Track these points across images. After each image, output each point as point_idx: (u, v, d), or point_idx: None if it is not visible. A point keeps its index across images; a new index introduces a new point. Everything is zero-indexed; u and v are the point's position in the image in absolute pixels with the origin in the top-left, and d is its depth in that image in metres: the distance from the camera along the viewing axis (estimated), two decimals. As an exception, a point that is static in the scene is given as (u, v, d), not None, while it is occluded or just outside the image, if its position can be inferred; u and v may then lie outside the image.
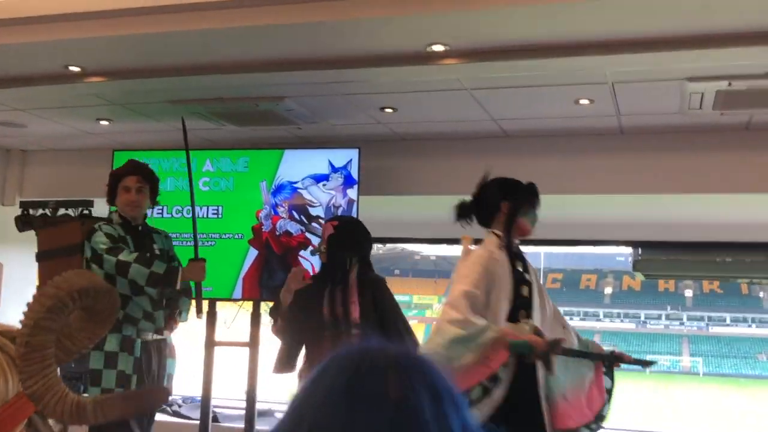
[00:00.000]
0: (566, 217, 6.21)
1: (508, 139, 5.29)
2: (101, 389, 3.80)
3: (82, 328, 2.51)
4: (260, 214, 5.15)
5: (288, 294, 3.79)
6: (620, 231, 6.30)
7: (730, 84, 3.89)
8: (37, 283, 4.69)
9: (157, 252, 4.10)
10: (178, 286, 3.86)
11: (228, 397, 6.08)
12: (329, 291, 3.68)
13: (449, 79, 4.14)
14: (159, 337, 4.05)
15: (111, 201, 4.15)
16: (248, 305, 5.29)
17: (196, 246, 4.11)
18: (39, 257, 4.56)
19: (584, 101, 4.40)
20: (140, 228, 4.12)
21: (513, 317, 3.27)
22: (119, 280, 3.74)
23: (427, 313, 58.90)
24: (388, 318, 3.84)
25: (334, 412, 0.91)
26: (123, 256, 3.79)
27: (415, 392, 0.93)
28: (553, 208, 5.77)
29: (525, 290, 3.37)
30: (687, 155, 4.93)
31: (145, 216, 4.22)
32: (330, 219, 4.09)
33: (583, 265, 61.87)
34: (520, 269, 3.41)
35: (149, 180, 4.17)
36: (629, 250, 6.95)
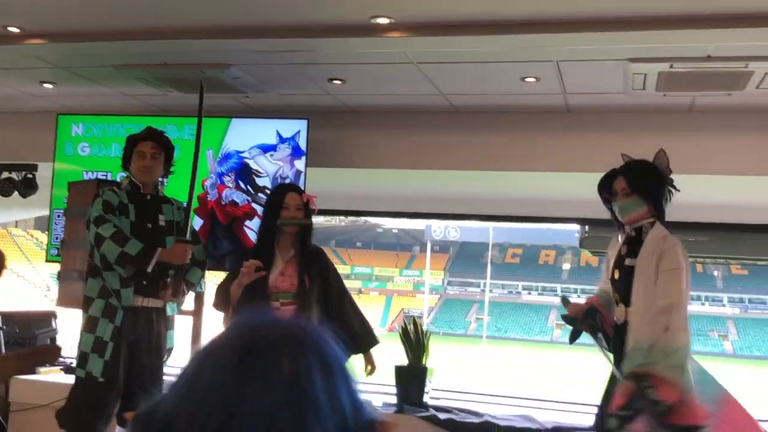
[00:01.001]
0: (514, 194, 6.27)
1: (458, 115, 5.30)
2: (79, 352, 3.82)
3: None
4: (206, 183, 5.11)
5: (239, 288, 3.69)
6: (568, 208, 6.37)
7: (671, 66, 3.93)
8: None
9: (162, 223, 3.95)
10: (149, 269, 3.74)
11: (171, 365, 6.04)
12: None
13: (395, 52, 4.12)
14: (151, 305, 3.89)
15: (125, 165, 4.03)
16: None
17: (185, 227, 3.98)
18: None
19: (530, 79, 4.41)
20: (149, 197, 3.98)
21: None
22: (96, 252, 3.75)
23: (387, 285, 59.24)
24: (333, 291, 3.88)
25: (225, 387, 0.91)
26: (102, 230, 3.73)
27: (308, 368, 0.93)
28: (501, 184, 5.86)
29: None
30: (631, 135, 4.97)
31: (158, 184, 4.07)
32: (297, 188, 4.05)
33: (543, 241, 62.53)
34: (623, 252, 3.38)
35: (165, 147, 4.03)
36: (577, 227, 7.05)
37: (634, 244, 3.35)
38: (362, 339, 3.92)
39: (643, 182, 3.32)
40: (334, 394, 0.94)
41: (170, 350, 4.07)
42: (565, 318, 3.60)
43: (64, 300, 4.74)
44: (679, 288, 3.20)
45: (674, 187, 3.45)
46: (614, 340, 3.45)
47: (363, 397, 1.00)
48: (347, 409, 0.94)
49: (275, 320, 1.00)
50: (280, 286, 3.77)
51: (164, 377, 3.91)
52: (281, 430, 0.88)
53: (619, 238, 3.49)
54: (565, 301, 3.62)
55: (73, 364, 4.06)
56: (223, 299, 3.79)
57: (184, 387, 0.94)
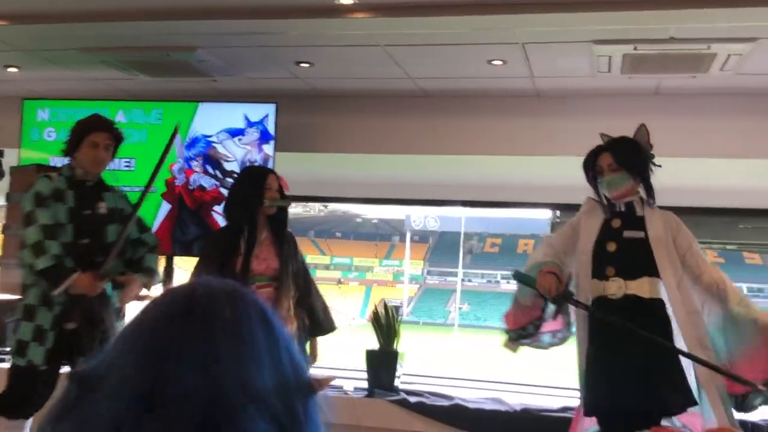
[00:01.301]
0: (484, 179, 6.28)
1: (426, 99, 5.30)
2: (16, 341, 3.74)
3: None
4: (173, 168, 5.07)
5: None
6: (538, 193, 6.39)
7: (635, 48, 3.95)
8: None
9: (104, 211, 3.78)
10: (55, 293, 3.56)
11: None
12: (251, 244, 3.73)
13: (362, 34, 4.11)
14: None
15: (70, 152, 3.81)
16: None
17: (108, 256, 3.65)
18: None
19: (497, 62, 4.42)
20: (89, 183, 3.80)
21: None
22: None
23: (367, 276, 59.25)
24: (302, 275, 3.88)
25: (166, 338, 0.90)
26: (28, 234, 3.58)
27: (249, 319, 0.93)
28: (471, 169, 5.87)
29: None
30: (600, 118, 4.98)
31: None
32: (270, 171, 3.99)
33: (521, 231, 62.77)
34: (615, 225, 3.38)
35: (117, 140, 3.88)
36: (548, 213, 7.08)
37: (629, 218, 3.35)
38: (322, 324, 3.93)
39: (629, 157, 3.36)
40: (275, 349, 0.94)
41: None
42: (522, 279, 3.48)
43: (5, 287, 4.69)
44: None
45: (654, 163, 3.48)
46: (605, 315, 3.31)
47: (299, 356, 1.00)
48: (286, 366, 0.94)
49: (215, 280, 1.00)
50: (256, 269, 3.74)
51: None
52: (223, 375, 0.88)
53: (596, 213, 3.46)
54: (521, 277, 3.51)
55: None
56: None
57: (123, 340, 0.93)
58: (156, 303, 0.96)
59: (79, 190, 3.75)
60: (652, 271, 3.30)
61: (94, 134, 3.78)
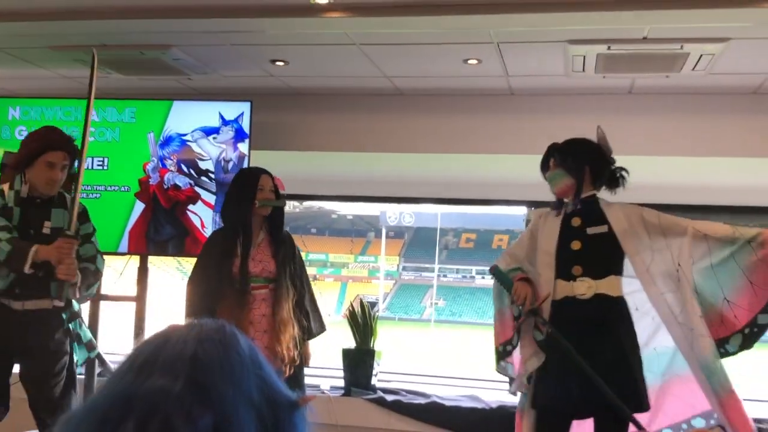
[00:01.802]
0: (460, 177, 6.30)
1: (402, 97, 5.30)
2: None
3: None
4: (147, 167, 5.03)
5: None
6: (513, 191, 6.42)
7: (609, 48, 3.98)
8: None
9: (47, 231, 3.55)
10: (26, 269, 3.36)
11: (114, 352, 5.97)
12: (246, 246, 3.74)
13: (337, 33, 4.10)
14: (37, 307, 3.53)
15: (20, 168, 3.56)
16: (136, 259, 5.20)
17: (71, 218, 3.52)
18: None
19: (472, 61, 4.43)
20: (38, 200, 3.59)
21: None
22: None
23: (342, 272, 59.23)
24: (297, 278, 3.88)
25: (136, 381, 0.93)
26: None
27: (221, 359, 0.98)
28: (447, 167, 5.88)
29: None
30: (573, 117, 5.02)
31: None
32: (264, 172, 3.93)
33: (496, 226, 62.99)
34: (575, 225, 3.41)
35: (73, 158, 3.64)
36: (523, 209, 7.11)
37: (588, 215, 3.39)
38: (313, 328, 3.92)
39: (565, 156, 3.44)
40: (245, 383, 0.97)
41: (89, 343, 3.75)
42: (500, 277, 3.51)
43: None
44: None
45: (610, 162, 3.52)
46: (570, 316, 3.35)
47: (274, 379, 1.03)
48: (257, 397, 0.97)
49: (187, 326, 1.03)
50: (252, 270, 3.74)
51: (58, 382, 3.58)
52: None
53: (551, 216, 3.51)
54: (500, 275, 3.53)
55: None
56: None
57: (104, 385, 0.97)
58: (136, 348, 0.99)
59: (26, 207, 3.55)
60: (618, 268, 3.36)
61: (50, 153, 3.52)
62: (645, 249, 3.35)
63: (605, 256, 3.35)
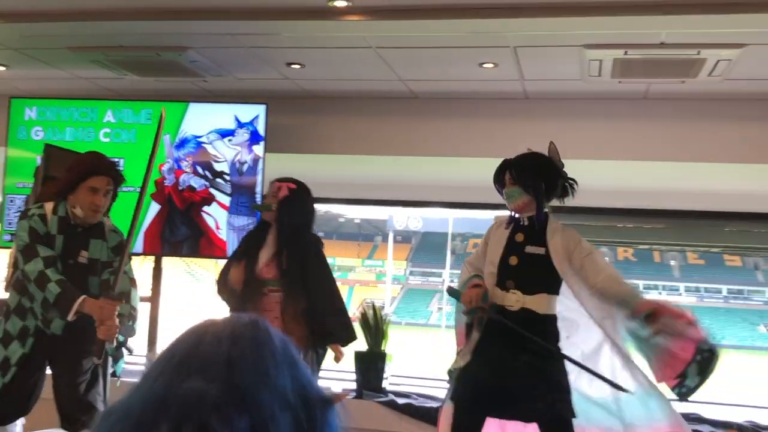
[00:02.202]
0: (471, 181, 6.29)
1: (416, 101, 5.31)
2: None
3: None
4: (163, 168, 5.05)
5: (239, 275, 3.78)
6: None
7: (626, 53, 3.98)
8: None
9: (84, 260, 3.53)
10: (69, 318, 3.33)
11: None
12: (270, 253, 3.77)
13: (354, 36, 4.12)
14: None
15: (64, 193, 3.50)
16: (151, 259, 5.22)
17: (117, 277, 3.41)
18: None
19: (488, 65, 4.44)
20: (80, 229, 3.54)
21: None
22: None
23: (349, 276, 59.21)
24: (309, 280, 3.85)
25: (170, 382, 0.93)
26: (29, 267, 3.37)
27: (254, 356, 0.98)
28: (459, 170, 5.88)
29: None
30: (589, 122, 5.04)
31: None
32: (283, 179, 3.91)
33: (504, 231, 62.91)
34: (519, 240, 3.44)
35: (118, 183, 3.58)
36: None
37: (531, 233, 3.41)
38: (333, 333, 3.90)
39: (523, 174, 3.42)
40: (277, 379, 0.97)
41: (122, 344, 3.68)
42: (453, 294, 3.53)
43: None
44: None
45: (567, 180, 3.51)
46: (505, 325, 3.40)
47: (308, 376, 1.02)
48: (290, 394, 0.97)
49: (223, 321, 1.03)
50: (266, 275, 3.81)
51: (83, 380, 3.59)
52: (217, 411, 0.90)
53: (502, 227, 3.52)
54: (452, 292, 3.54)
55: None
56: (223, 286, 3.85)
57: (140, 384, 0.97)
58: (171, 345, 1.00)
59: (68, 235, 3.51)
60: (550, 287, 3.40)
61: (94, 179, 3.47)
62: (574, 275, 3.40)
63: (539, 275, 3.39)
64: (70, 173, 3.52)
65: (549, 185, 3.42)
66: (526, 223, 3.43)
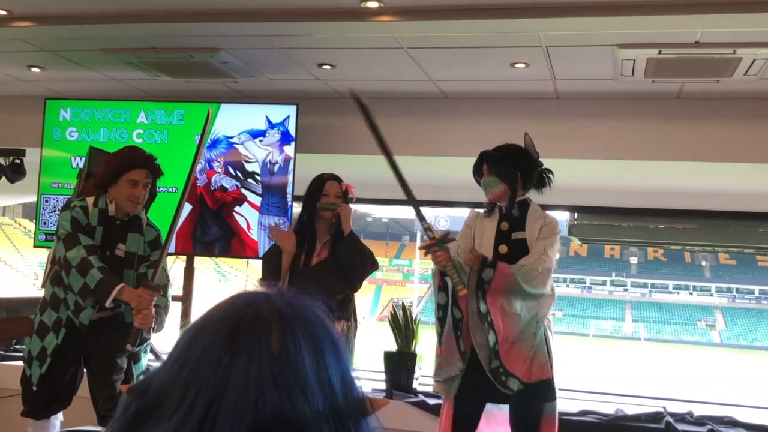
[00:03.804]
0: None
1: (446, 101, 5.30)
2: (27, 350, 3.69)
3: None
4: (195, 168, 5.08)
5: (288, 257, 3.92)
6: (556, 195, 6.36)
7: (660, 52, 3.93)
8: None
9: (120, 253, 3.63)
10: (107, 303, 3.43)
11: (162, 351, 6.05)
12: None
13: (385, 36, 4.12)
14: (104, 315, 3.61)
15: (105, 186, 3.61)
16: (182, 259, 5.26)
17: (156, 268, 3.53)
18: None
19: (520, 65, 4.41)
20: (119, 221, 3.64)
21: None
22: (63, 271, 3.53)
23: (376, 275, 59.22)
24: None
25: (214, 364, 0.91)
26: (70, 255, 3.45)
27: (296, 344, 0.93)
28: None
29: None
30: (621, 122, 5.00)
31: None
32: (333, 178, 4.08)
33: (532, 231, 62.54)
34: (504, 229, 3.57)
35: (156, 176, 3.71)
36: (566, 215, 7.08)
37: (513, 220, 3.55)
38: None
39: (497, 164, 3.57)
40: (323, 370, 0.94)
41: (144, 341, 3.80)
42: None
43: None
44: (553, 256, 3.49)
45: (543, 169, 3.65)
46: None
47: (354, 374, 1.00)
48: (337, 386, 0.95)
49: (266, 296, 1.00)
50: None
51: (118, 377, 3.69)
52: (268, 405, 0.89)
53: (486, 218, 3.65)
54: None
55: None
56: (271, 270, 3.93)
57: (176, 362, 0.95)
58: (206, 323, 0.97)
59: (107, 227, 3.61)
60: None
61: (134, 171, 3.59)
62: None
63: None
64: (110, 167, 3.62)
65: (524, 175, 3.58)
66: (509, 211, 3.57)
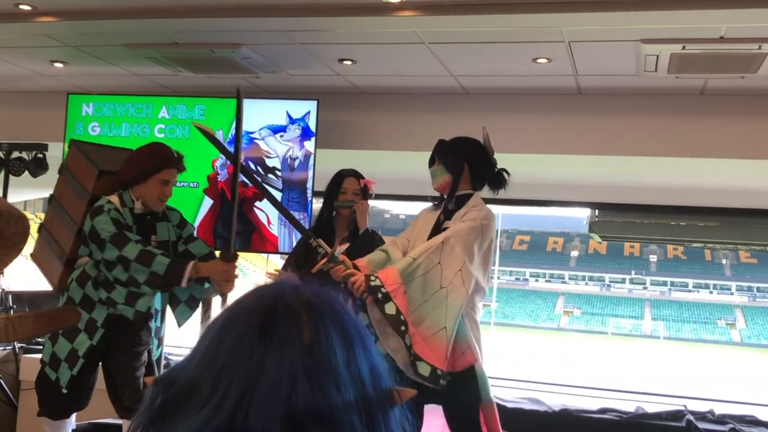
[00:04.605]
0: (523, 177, 6.23)
1: (467, 97, 5.28)
2: (52, 352, 3.68)
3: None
4: (216, 164, 5.11)
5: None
6: (577, 192, 6.36)
7: (684, 47, 3.90)
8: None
9: (153, 244, 3.67)
10: (183, 284, 3.47)
11: (180, 345, 6.09)
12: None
13: (406, 32, 4.11)
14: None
15: (133, 183, 3.65)
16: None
17: (231, 238, 3.66)
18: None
19: (542, 60, 4.39)
20: (148, 216, 3.71)
21: None
22: (118, 269, 3.53)
23: (395, 271, 59.20)
24: None
25: (246, 357, 0.90)
26: (126, 251, 3.46)
27: (327, 335, 0.93)
28: (510, 167, 5.84)
29: None
30: (643, 118, 4.96)
31: None
32: (353, 174, 4.05)
33: (551, 228, 62.31)
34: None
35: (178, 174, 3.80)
36: (587, 211, 7.04)
37: (449, 213, 3.52)
38: None
39: (440, 154, 3.56)
40: (353, 362, 0.94)
41: (161, 338, 3.93)
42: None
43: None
44: (467, 234, 3.34)
45: (500, 169, 3.62)
46: None
47: (382, 364, 0.99)
48: (366, 378, 0.94)
49: (295, 288, 0.99)
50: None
51: (140, 373, 3.72)
52: (301, 398, 0.89)
53: (432, 209, 3.66)
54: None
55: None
56: (295, 259, 3.97)
57: (204, 355, 0.94)
58: (236, 314, 0.96)
59: (138, 224, 3.65)
60: None
61: (166, 171, 3.64)
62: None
63: None
64: (142, 165, 3.64)
65: (473, 169, 3.53)
66: (449, 203, 3.54)
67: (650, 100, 4.92)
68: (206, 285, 3.71)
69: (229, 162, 5.09)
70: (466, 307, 3.37)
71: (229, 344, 0.92)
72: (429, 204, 3.73)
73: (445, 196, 3.54)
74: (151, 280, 3.44)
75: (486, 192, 3.70)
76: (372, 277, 3.24)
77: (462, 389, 3.31)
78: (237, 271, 3.59)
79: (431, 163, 3.62)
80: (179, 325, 3.85)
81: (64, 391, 3.66)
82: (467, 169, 3.52)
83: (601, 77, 4.70)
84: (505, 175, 3.61)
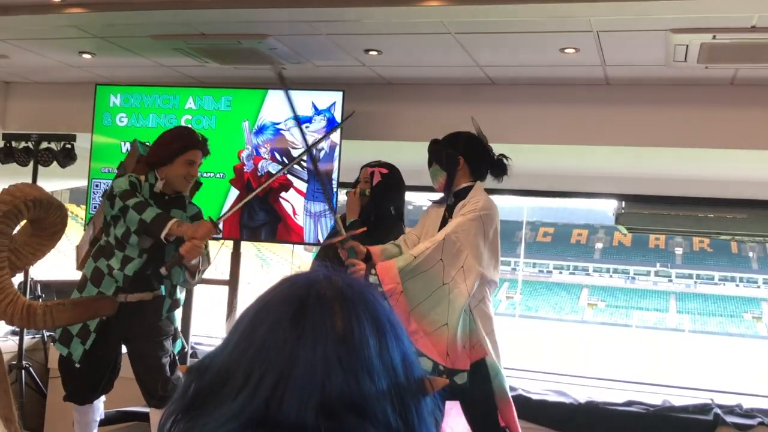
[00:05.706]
0: (550, 168, 6.22)
1: (493, 87, 5.25)
2: (63, 329, 3.77)
3: (27, 243, 2.51)
4: (242, 154, 5.13)
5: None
6: (603, 184, 6.31)
7: (714, 37, 3.84)
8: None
9: None
10: (161, 235, 3.54)
11: (207, 335, 6.13)
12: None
13: (433, 22, 4.09)
14: (137, 299, 3.78)
15: (158, 164, 3.77)
16: (229, 243, 5.30)
17: (229, 212, 4.04)
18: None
19: (570, 50, 4.35)
20: (167, 197, 3.81)
21: None
22: (112, 230, 3.68)
23: (418, 263, 59.21)
24: None
25: (280, 345, 0.91)
26: (129, 202, 3.59)
27: (360, 325, 0.94)
28: (536, 158, 5.81)
29: None
30: (672, 109, 4.91)
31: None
32: (373, 164, 4.11)
33: (575, 220, 61.96)
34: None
35: (204, 156, 3.91)
36: (614, 203, 6.98)
37: (451, 209, 3.55)
38: None
39: (440, 153, 3.59)
40: (386, 351, 0.94)
41: (175, 331, 3.94)
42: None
43: None
44: (468, 228, 3.33)
45: (500, 155, 3.64)
46: None
47: (413, 353, 1.00)
48: (399, 367, 0.95)
49: (327, 277, 1.00)
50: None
51: (165, 360, 3.79)
52: (335, 387, 0.89)
53: (437, 207, 3.68)
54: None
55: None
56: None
57: (238, 343, 0.95)
58: (269, 303, 0.97)
59: (158, 203, 3.72)
60: None
61: (192, 152, 3.76)
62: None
63: None
64: (169, 147, 3.75)
65: (469, 162, 3.53)
66: (452, 199, 3.56)
67: (679, 90, 4.86)
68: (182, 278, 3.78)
69: (255, 153, 5.11)
70: (475, 301, 3.37)
71: (263, 333, 0.93)
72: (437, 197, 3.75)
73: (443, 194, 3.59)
74: (140, 226, 3.55)
75: (490, 181, 3.70)
76: (372, 272, 3.26)
77: (474, 382, 3.31)
78: (204, 240, 3.63)
79: (429, 164, 3.64)
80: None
81: (77, 365, 3.71)
82: (464, 162, 3.54)
83: (630, 67, 4.65)
84: (505, 161, 3.61)
